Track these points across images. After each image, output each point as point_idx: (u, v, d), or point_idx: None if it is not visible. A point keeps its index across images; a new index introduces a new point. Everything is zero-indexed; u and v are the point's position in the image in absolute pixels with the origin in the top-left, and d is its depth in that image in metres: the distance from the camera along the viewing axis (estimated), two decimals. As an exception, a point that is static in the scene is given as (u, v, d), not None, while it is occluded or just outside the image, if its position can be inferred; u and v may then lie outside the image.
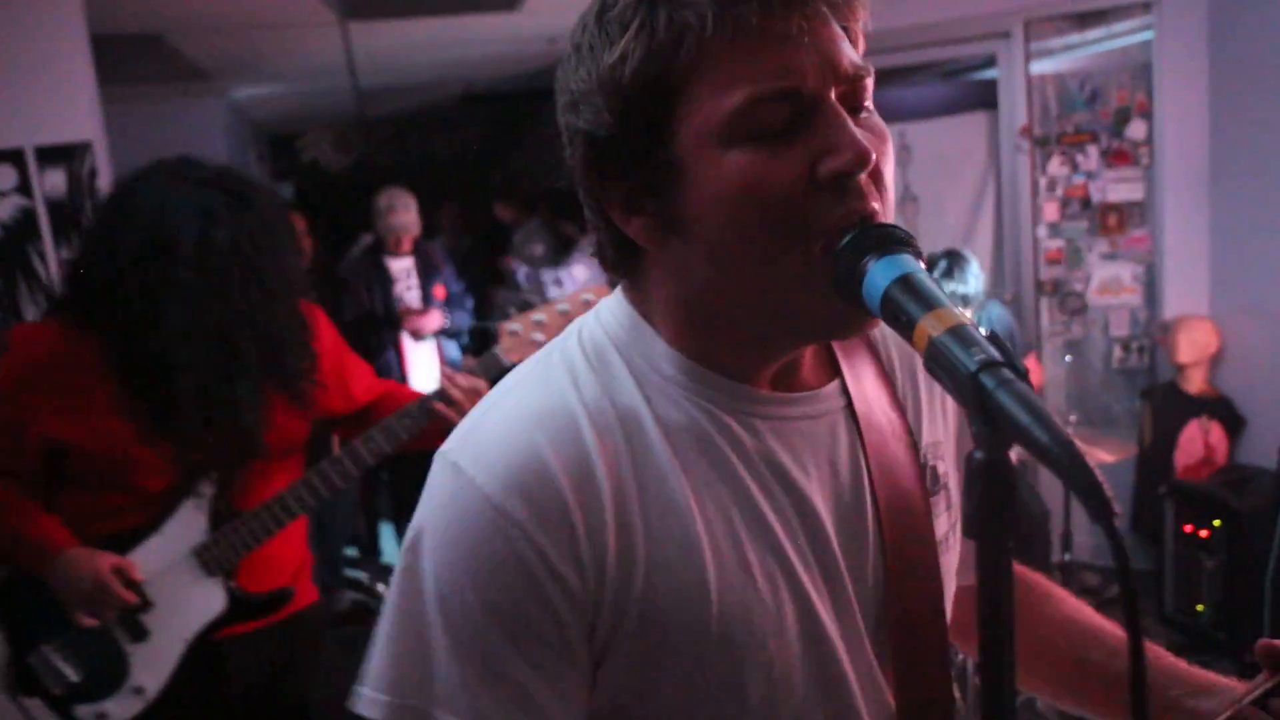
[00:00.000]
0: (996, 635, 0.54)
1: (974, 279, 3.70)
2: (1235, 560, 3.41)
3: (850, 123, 0.69)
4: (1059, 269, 4.40)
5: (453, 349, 4.38)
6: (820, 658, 0.78)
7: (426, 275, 4.29)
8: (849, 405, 0.83)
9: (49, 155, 2.77)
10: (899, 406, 0.86)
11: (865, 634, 0.81)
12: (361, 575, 4.91)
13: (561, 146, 0.80)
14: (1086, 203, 4.31)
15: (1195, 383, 3.97)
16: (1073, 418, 3.32)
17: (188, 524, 1.76)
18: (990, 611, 0.54)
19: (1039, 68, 4.29)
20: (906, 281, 0.63)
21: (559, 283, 5.04)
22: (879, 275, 0.64)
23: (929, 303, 0.61)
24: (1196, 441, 3.95)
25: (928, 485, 0.85)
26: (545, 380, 0.79)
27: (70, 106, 2.81)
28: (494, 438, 0.76)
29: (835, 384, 0.83)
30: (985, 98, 4.66)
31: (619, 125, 0.72)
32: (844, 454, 0.82)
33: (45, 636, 1.74)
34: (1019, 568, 0.98)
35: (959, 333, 0.58)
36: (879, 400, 0.85)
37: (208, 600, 1.77)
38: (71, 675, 1.73)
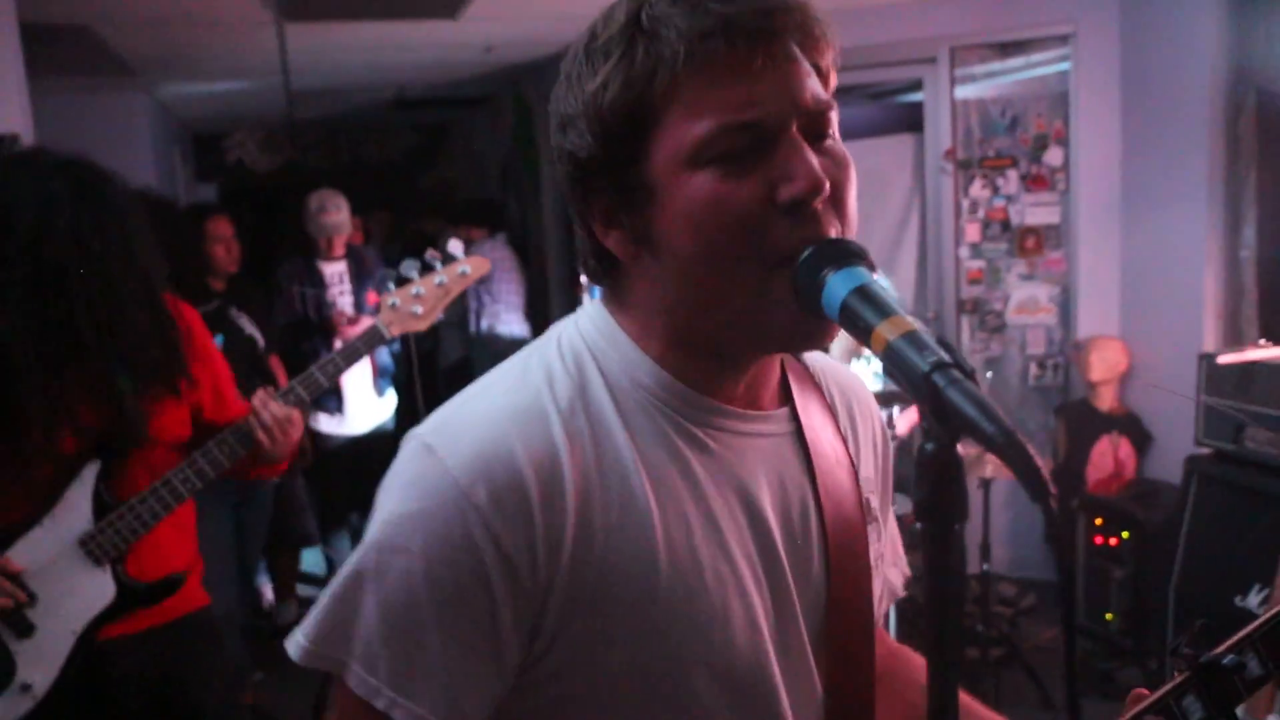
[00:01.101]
0: (944, 608, 0.59)
1: None
2: (1142, 571, 3.57)
3: (808, 152, 0.75)
4: (979, 288, 4.55)
5: (384, 354, 4.35)
6: (756, 656, 0.82)
7: (359, 280, 4.26)
8: (798, 430, 0.89)
9: (-26, 146, 2.69)
10: (842, 438, 0.93)
11: (806, 639, 0.86)
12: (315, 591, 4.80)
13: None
14: (1006, 225, 4.48)
15: (1106, 400, 4.15)
16: (992, 431, 3.44)
17: (71, 514, 1.74)
18: (938, 587, 0.59)
19: (963, 93, 4.45)
20: (863, 291, 0.69)
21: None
22: (838, 285, 0.69)
23: (884, 310, 0.67)
24: (1107, 456, 4.12)
25: (866, 515, 0.91)
26: (523, 380, 0.83)
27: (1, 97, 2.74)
28: (469, 426, 0.80)
29: (786, 409, 0.89)
30: (911, 120, 4.81)
31: (599, 147, 0.78)
32: (792, 473, 0.87)
33: None
34: (905, 651, 1.07)
35: (913, 337, 0.64)
36: (825, 430, 0.91)
37: (97, 590, 1.75)
38: None
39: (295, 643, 0.80)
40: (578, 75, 0.78)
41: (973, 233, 4.52)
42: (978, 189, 4.49)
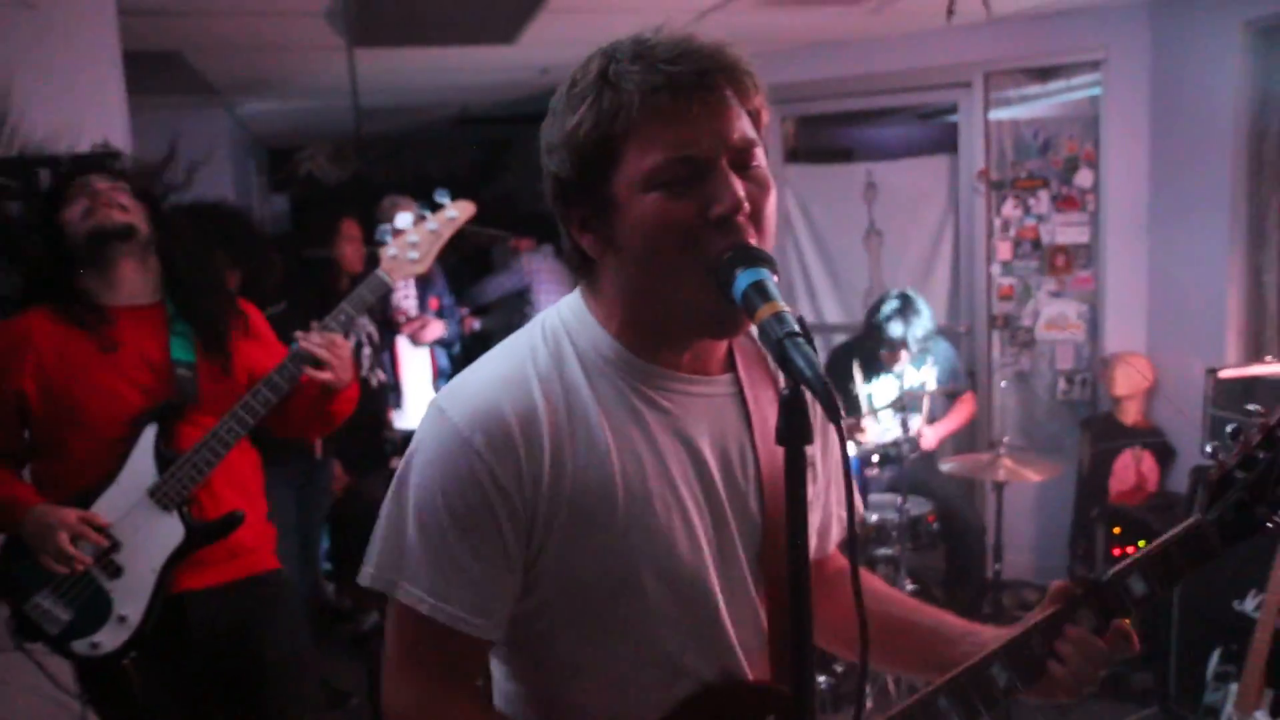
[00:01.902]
0: (796, 514, 0.82)
1: (921, 325, 3.98)
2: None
3: (733, 179, 0.98)
4: (1010, 304, 4.71)
5: (443, 358, 4.65)
6: (696, 565, 1.06)
7: (423, 286, 4.55)
8: (740, 393, 1.12)
9: (84, 162, 3.02)
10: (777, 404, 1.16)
11: (744, 562, 1.10)
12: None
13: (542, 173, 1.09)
14: (1037, 244, 4.63)
15: (1130, 414, 4.27)
16: (1006, 438, 3.61)
17: (138, 471, 2.05)
18: (793, 495, 0.82)
19: (997, 115, 4.62)
20: (758, 285, 0.92)
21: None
22: (743, 280, 0.93)
23: (767, 298, 0.91)
24: (1130, 469, 4.24)
25: None
26: (512, 354, 1.08)
27: (104, 117, 3.06)
28: (469, 391, 1.06)
29: (729, 375, 1.13)
30: (947, 142, 4.99)
31: (574, 171, 1.01)
32: (732, 427, 1.11)
33: (37, 588, 2.02)
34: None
35: (779, 316, 0.88)
36: (765, 394, 1.14)
37: (168, 532, 2.06)
38: (64, 616, 2.01)
39: (364, 573, 1.07)
40: (561, 112, 1.01)
41: (1004, 251, 4.68)
42: (1010, 208, 4.65)
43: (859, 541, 1.21)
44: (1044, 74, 4.55)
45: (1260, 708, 2.71)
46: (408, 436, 4.43)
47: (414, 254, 2.23)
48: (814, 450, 1.18)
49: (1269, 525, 1.14)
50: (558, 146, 1.02)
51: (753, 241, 0.98)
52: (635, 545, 1.03)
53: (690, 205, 0.97)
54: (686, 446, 1.07)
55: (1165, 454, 4.23)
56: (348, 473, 4.09)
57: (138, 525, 2.03)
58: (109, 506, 2.03)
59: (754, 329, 1.17)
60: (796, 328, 0.85)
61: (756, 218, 1.00)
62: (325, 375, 2.12)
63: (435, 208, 2.30)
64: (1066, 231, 4.57)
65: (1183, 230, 4.18)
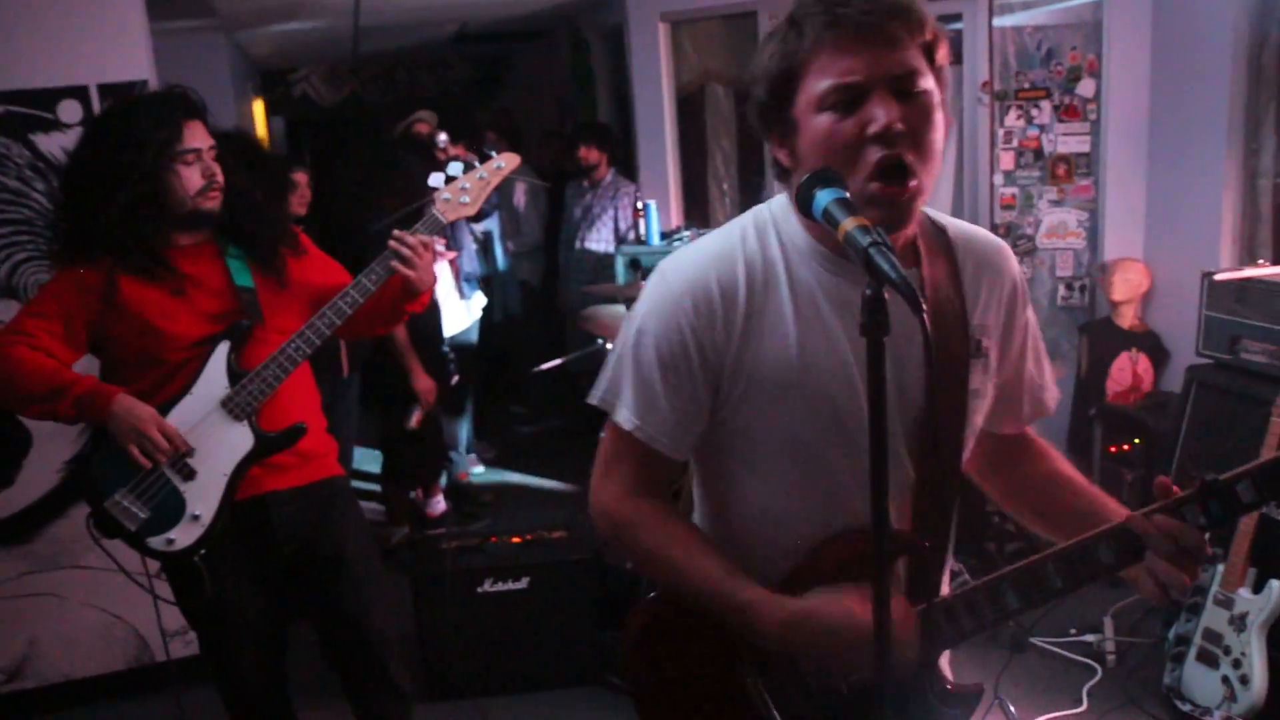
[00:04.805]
0: (877, 397, 0.96)
1: None
2: (1150, 474, 3.88)
3: (886, 103, 1.14)
4: (1012, 214, 4.81)
5: (466, 264, 4.75)
6: (859, 435, 1.13)
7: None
8: (919, 283, 1.27)
9: (110, 91, 3.08)
10: (961, 296, 1.31)
11: (901, 433, 1.28)
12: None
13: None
14: (1039, 153, 4.72)
15: (1127, 318, 4.42)
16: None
17: (212, 383, 2.21)
18: (875, 387, 0.97)
19: (1001, 22, 4.66)
20: (838, 200, 1.07)
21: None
22: (824, 198, 1.08)
23: (849, 211, 1.06)
24: (1126, 371, 4.41)
25: (970, 351, 1.31)
26: (727, 236, 1.31)
27: (128, 46, 3.11)
28: (688, 261, 1.31)
29: (914, 270, 1.27)
30: (950, 52, 5.02)
31: (768, 97, 1.22)
32: (903, 313, 1.21)
33: (116, 487, 2.17)
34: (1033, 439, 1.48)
35: (861, 228, 1.03)
36: (944, 288, 1.30)
37: (239, 440, 2.22)
38: (141, 513, 2.17)
39: (594, 394, 1.35)
40: (761, 48, 1.22)
41: (1007, 161, 4.77)
42: (1012, 119, 4.72)
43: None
44: (1047, -19, 4.58)
45: (1244, 585, 2.91)
46: (455, 345, 4.64)
47: (465, 198, 2.41)
48: (989, 344, 1.34)
49: None
50: (758, 78, 1.23)
51: (910, 159, 1.14)
52: (804, 398, 1.25)
53: (852, 124, 1.15)
54: (855, 323, 1.22)
55: (1160, 355, 4.39)
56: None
57: (210, 433, 2.19)
58: (184, 415, 2.18)
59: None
60: (879, 238, 1.00)
61: (916, 139, 1.16)
62: (411, 273, 2.25)
63: (484, 159, 2.48)
64: (1068, 141, 4.66)
65: (1181, 138, 4.26)
